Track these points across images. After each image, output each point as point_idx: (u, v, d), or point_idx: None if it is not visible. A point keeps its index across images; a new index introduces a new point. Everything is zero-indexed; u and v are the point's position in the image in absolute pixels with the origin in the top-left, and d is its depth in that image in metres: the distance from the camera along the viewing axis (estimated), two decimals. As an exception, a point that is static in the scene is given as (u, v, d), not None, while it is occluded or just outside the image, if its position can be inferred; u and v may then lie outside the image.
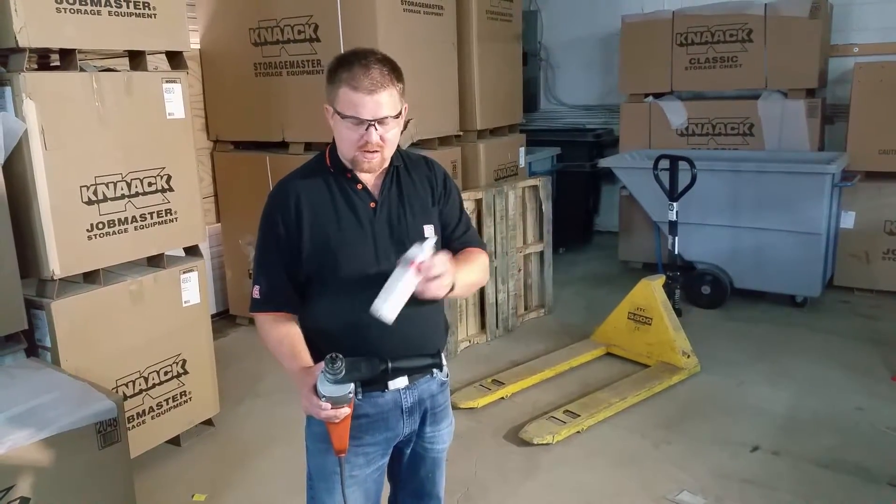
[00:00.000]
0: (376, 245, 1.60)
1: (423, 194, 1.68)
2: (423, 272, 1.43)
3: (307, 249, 1.59)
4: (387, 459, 1.74)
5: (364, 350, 1.53)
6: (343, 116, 1.51)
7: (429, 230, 1.66)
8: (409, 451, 1.76)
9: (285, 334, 1.60)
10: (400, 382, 1.62)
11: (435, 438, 1.76)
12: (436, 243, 1.62)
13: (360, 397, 1.50)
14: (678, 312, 4.08)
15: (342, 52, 1.59)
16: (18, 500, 1.90)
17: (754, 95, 5.10)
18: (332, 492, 1.65)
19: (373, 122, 1.50)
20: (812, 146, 4.95)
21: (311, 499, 1.73)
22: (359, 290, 1.58)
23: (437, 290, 1.46)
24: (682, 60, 5.29)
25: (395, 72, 1.54)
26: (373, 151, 1.54)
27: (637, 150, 5.36)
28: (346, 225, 1.59)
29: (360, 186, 1.62)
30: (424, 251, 1.44)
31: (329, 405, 1.43)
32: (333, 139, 1.63)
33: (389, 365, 1.49)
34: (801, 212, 4.31)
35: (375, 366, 1.47)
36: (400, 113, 1.56)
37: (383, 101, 1.50)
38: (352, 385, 1.44)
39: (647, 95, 5.52)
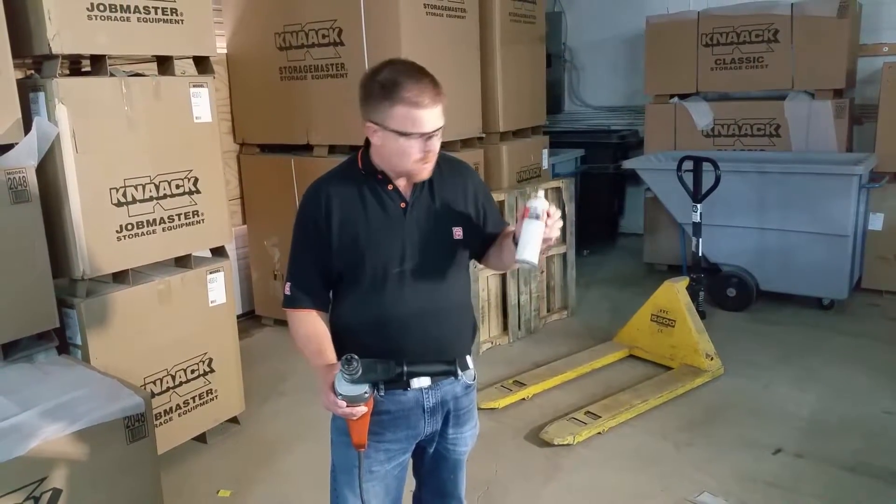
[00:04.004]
0: (404, 245, 1.63)
1: (455, 196, 1.71)
2: (550, 218, 1.56)
3: (336, 247, 1.63)
4: (408, 457, 1.76)
5: (386, 347, 1.57)
6: (405, 134, 1.54)
7: (458, 232, 1.69)
8: (431, 451, 1.79)
9: (313, 331, 1.64)
10: (423, 382, 1.64)
11: (457, 440, 1.78)
12: (467, 237, 1.69)
13: (382, 394, 1.54)
14: (702, 315, 4.05)
15: (371, 64, 1.64)
16: (51, 492, 1.96)
17: (781, 96, 5.04)
18: (352, 485, 1.68)
19: (433, 134, 1.56)
20: (840, 147, 4.87)
21: (334, 490, 1.78)
22: (384, 288, 1.62)
23: (557, 231, 1.60)
24: (707, 61, 5.24)
25: (438, 84, 1.60)
26: (430, 161, 1.60)
27: (662, 151, 5.32)
28: (375, 224, 1.63)
29: (391, 187, 1.65)
30: (545, 200, 1.57)
31: (345, 403, 1.47)
32: (365, 144, 1.67)
33: (405, 369, 1.51)
34: (828, 213, 4.25)
35: (391, 369, 1.50)
36: None
37: (439, 112, 1.57)
38: (367, 385, 1.47)
39: (672, 96, 5.48)
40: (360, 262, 1.62)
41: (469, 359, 1.75)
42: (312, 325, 1.65)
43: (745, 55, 5.09)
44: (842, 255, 4.31)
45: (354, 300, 1.65)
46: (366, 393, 1.48)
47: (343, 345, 1.61)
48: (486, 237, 1.78)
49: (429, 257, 1.66)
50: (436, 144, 1.58)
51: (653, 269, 5.51)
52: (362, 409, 1.50)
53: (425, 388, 1.66)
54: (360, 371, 1.44)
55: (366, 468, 1.65)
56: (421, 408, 1.68)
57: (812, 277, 4.41)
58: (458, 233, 1.69)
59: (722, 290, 4.63)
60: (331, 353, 1.61)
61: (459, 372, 1.70)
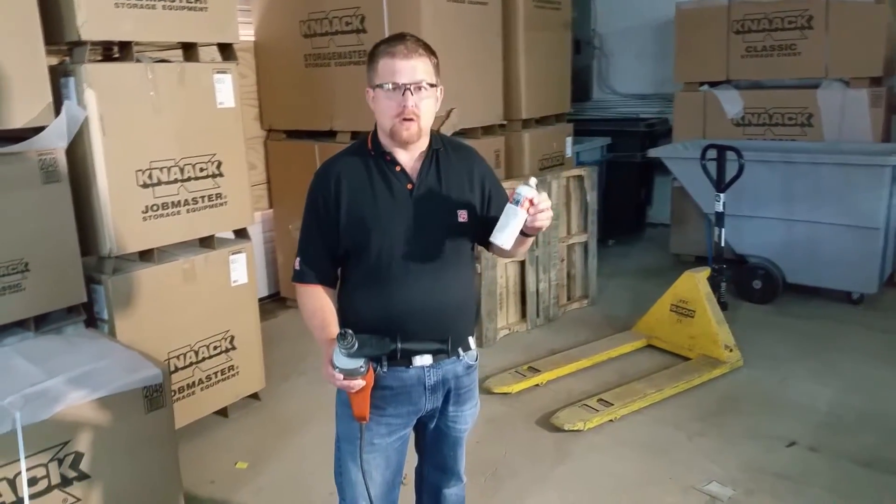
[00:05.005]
0: (409, 226, 1.67)
1: (462, 181, 1.74)
2: (533, 207, 1.60)
3: (343, 225, 1.68)
4: (408, 431, 1.81)
5: (389, 327, 1.62)
6: (382, 86, 1.61)
7: (463, 215, 1.72)
8: (432, 427, 1.84)
9: (319, 306, 1.71)
10: (424, 360, 1.70)
11: (458, 418, 1.83)
12: (472, 221, 1.72)
13: (384, 370, 1.60)
14: (723, 306, 4.00)
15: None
16: (74, 455, 2.08)
17: (814, 85, 4.93)
18: (355, 455, 1.74)
19: (409, 87, 1.60)
20: (875, 137, 4.74)
21: (338, 460, 1.84)
22: (388, 268, 1.67)
23: (543, 221, 1.62)
24: (738, 48, 5.15)
25: (427, 47, 1.65)
26: (409, 119, 1.62)
27: (691, 140, 5.26)
28: (382, 204, 1.67)
29: (398, 168, 1.69)
30: (533, 189, 1.60)
31: (342, 376, 1.53)
32: (375, 125, 1.72)
33: (399, 346, 1.56)
34: (858, 205, 4.15)
35: (385, 344, 1.56)
36: (435, 85, 1.65)
37: (418, 67, 1.61)
38: (363, 360, 1.53)
39: (702, 84, 5.40)
40: (365, 241, 1.67)
41: (471, 340, 1.80)
42: (318, 300, 1.72)
43: (778, 42, 4.98)
44: (872, 249, 4.21)
45: (359, 279, 1.71)
46: (361, 367, 1.54)
47: (348, 322, 1.66)
48: (492, 222, 1.81)
49: (433, 239, 1.70)
50: (411, 101, 1.60)
51: (679, 260, 5.43)
52: (360, 383, 1.56)
53: (427, 367, 1.71)
54: (356, 345, 1.50)
55: (368, 440, 1.71)
56: (422, 385, 1.72)
57: (841, 271, 4.33)
58: (462, 216, 1.72)
59: (748, 282, 4.57)
60: (334, 328, 1.66)
61: (461, 352, 1.75)
